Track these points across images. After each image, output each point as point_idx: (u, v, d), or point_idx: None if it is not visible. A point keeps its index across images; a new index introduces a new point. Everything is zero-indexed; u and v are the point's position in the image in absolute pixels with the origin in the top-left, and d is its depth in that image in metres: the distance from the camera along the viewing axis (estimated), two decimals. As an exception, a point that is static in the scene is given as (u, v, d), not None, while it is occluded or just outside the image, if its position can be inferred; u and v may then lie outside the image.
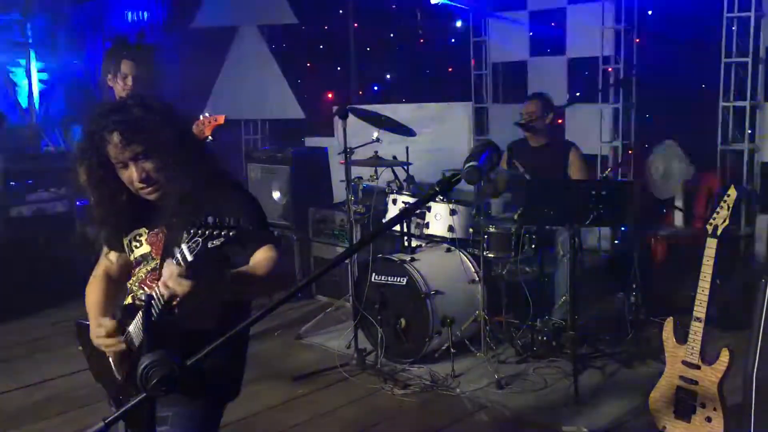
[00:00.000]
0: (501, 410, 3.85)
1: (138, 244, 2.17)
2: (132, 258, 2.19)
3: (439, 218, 4.76)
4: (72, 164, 2.11)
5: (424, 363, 4.41)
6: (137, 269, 2.17)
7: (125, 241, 2.20)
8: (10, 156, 6.13)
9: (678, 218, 5.58)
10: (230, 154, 8.09)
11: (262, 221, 2.16)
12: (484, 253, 4.56)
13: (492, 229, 4.62)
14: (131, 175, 2.02)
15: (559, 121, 6.28)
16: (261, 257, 2.01)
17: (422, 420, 3.75)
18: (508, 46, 6.77)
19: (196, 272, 1.64)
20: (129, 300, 2.16)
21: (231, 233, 1.63)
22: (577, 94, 6.32)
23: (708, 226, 3.22)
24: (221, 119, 3.92)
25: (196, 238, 1.62)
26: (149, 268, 2.13)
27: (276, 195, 6.14)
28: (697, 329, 3.21)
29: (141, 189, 2.05)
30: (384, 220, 4.91)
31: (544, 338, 4.54)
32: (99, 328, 2.04)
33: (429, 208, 4.77)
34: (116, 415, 1.29)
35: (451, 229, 4.72)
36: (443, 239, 4.81)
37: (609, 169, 4.92)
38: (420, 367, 4.39)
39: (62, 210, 6.24)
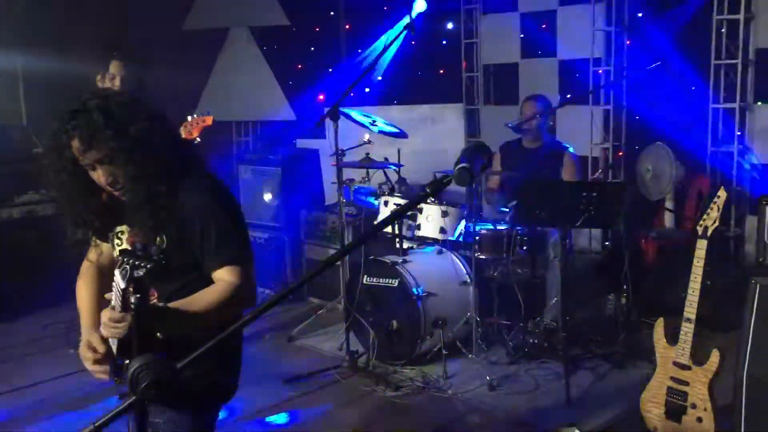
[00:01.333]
0: (493, 412, 3.86)
1: (119, 242, 2.15)
2: (116, 254, 2.16)
3: (431, 220, 4.76)
4: (42, 164, 2.07)
5: (416, 365, 4.41)
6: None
7: (111, 235, 2.19)
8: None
9: (668, 219, 5.60)
10: (221, 155, 8.08)
11: (231, 234, 2.07)
12: (476, 255, 4.56)
13: (484, 231, 4.63)
14: (98, 178, 2.01)
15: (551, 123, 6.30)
16: (215, 286, 1.99)
17: (414, 421, 3.75)
18: (499, 48, 6.79)
19: (127, 306, 1.61)
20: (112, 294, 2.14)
21: (152, 264, 1.62)
22: (568, 96, 6.33)
23: (698, 228, 3.23)
24: (209, 120, 3.92)
25: (124, 266, 1.62)
26: None
27: (267, 197, 6.13)
28: (687, 330, 3.22)
29: (111, 191, 2.04)
30: (375, 222, 4.91)
31: (536, 340, 4.55)
32: (86, 349, 2.00)
33: (421, 210, 4.78)
34: (105, 419, 1.28)
35: (442, 230, 4.73)
36: (435, 241, 4.82)
37: (599, 171, 4.94)
38: (412, 368, 4.39)
39: (52, 212, 6.20)
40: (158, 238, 2.01)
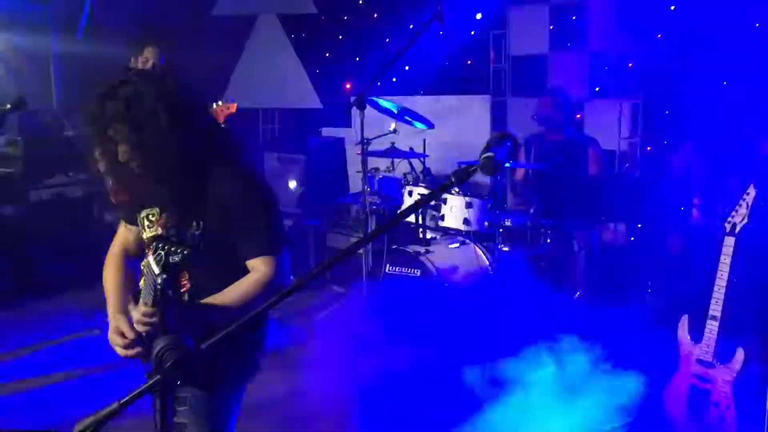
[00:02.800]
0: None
1: (150, 224, 2.15)
2: (144, 237, 2.17)
3: (455, 211, 4.75)
4: (85, 145, 2.09)
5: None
6: (149, 250, 2.14)
7: (138, 218, 2.19)
8: (30, 140, 6.20)
9: (695, 215, 5.53)
10: (247, 142, 8.10)
11: (266, 224, 2.08)
12: (500, 247, 4.55)
13: (508, 223, 4.61)
14: (124, 153, 2.00)
15: (578, 116, 6.24)
16: (247, 279, 2.00)
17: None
18: (528, 40, 6.73)
19: (160, 299, 1.63)
20: (142, 282, 2.14)
21: (188, 250, 1.64)
22: (597, 89, 6.27)
23: (726, 224, 3.19)
24: (233, 107, 3.96)
25: (159, 252, 1.64)
26: None
27: (292, 184, 6.16)
28: (712, 328, 3.19)
29: (137, 167, 2.02)
30: (399, 211, 4.91)
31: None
32: (115, 335, 2.03)
33: (444, 201, 4.77)
34: (130, 397, 1.30)
35: (466, 221, 4.71)
36: (458, 232, 4.80)
37: (627, 165, 4.89)
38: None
39: (81, 195, 6.30)
40: (194, 223, 2.03)
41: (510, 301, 4.62)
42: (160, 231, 2.10)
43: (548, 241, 4.57)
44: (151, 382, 1.32)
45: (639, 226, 5.45)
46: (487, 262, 4.64)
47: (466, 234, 4.77)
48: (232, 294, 2.00)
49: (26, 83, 6.40)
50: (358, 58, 7.90)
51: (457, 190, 4.75)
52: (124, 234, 2.30)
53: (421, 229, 4.87)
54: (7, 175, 6.01)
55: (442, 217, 4.79)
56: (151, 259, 1.65)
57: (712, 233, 5.12)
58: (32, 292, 5.55)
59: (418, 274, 4.45)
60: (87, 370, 4.33)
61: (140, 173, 2.03)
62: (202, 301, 1.96)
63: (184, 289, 1.95)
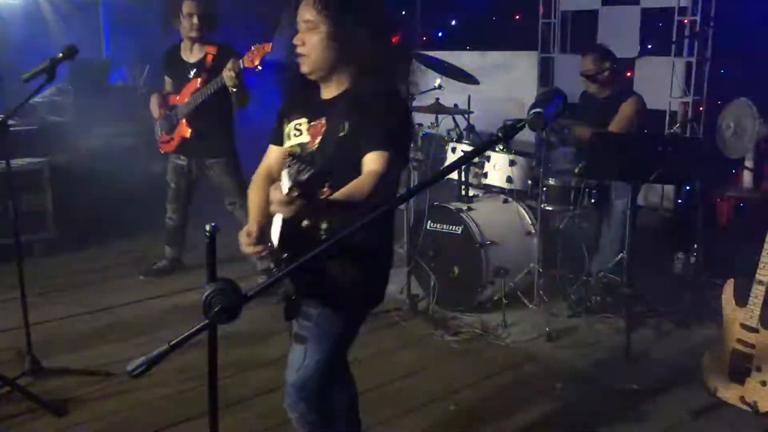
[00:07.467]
0: (549, 362, 3.87)
1: (298, 132, 2.23)
2: (289, 145, 2.25)
3: (498, 168, 4.72)
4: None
5: (475, 312, 4.45)
6: (284, 164, 2.23)
7: (286, 130, 2.27)
8: (80, 88, 6.30)
9: (747, 179, 5.40)
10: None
11: (396, 127, 2.09)
12: (542, 206, 4.51)
13: (551, 182, 4.57)
14: (295, 39, 2.11)
15: (629, 73, 6.09)
16: (363, 175, 2.01)
17: (471, 367, 3.80)
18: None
19: (294, 197, 1.69)
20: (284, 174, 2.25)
21: (315, 172, 1.71)
22: (649, 46, 6.09)
23: (779, 188, 3.11)
24: (269, 47, 3.99)
25: (291, 167, 1.70)
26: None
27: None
28: (758, 292, 3.14)
29: (298, 57, 2.12)
30: (442, 167, 4.88)
31: (599, 294, 4.50)
32: (243, 235, 2.19)
33: (488, 158, 4.73)
34: (180, 339, 1.35)
35: (509, 179, 4.68)
36: (501, 190, 4.78)
37: (677, 125, 4.77)
38: (471, 315, 4.43)
39: (129, 145, 6.41)
40: (341, 125, 2.09)
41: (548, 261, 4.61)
42: (307, 139, 2.18)
43: (593, 201, 4.51)
44: (199, 325, 1.36)
45: (687, 188, 5.35)
46: (530, 221, 4.62)
47: (509, 192, 4.74)
48: (344, 190, 1.99)
49: (76, 32, 6.48)
50: (403, 12, 7.80)
51: (501, 147, 4.71)
52: (269, 155, 2.40)
53: (463, 186, 4.85)
54: (58, 123, 6.14)
55: (486, 175, 4.77)
56: (284, 173, 1.72)
57: (763, 196, 5.01)
58: (78, 240, 5.72)
59: (459, 231, 4.45)
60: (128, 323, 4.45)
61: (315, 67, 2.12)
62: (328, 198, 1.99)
63: (324, 195, 1.99)
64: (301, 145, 2.19)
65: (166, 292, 4.80)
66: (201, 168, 4.81)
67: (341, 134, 2.09)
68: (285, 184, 1.68)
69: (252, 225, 2.22)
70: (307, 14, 2.09)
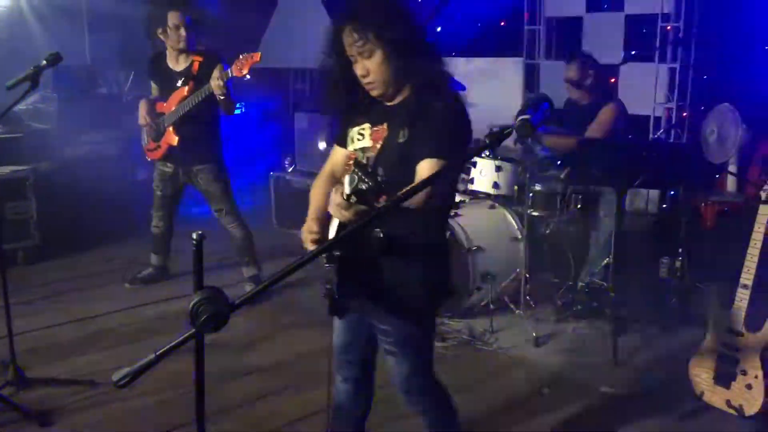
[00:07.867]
0: (537, 367, 3.88)
1: (360, 137, 2.28)
2: (352, 149, 2.30)
3: (484, 174, 4.73)
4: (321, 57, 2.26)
5: (462, 318, 4.45)
6: (348, 168, 2.28)
7: (350, 134, 2.32)
8: (64, 96, 6.25)
9: (731, 184, 5.45)
10: (278, 103, 8.12)
11: (453, 136, 2.14)
12: (529, 212, 4.53)
13: (538, 188, 4.59)
14: (357, 70, 2.16)
15: (612, 80, 6.13)
16: (417, 183, 2.02)
17: (458, 373, 3.79)
18: (563, 1, 6.59)
19: (351, 203, 1.76)
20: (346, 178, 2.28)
21: (375, 184, 1.73)
22: (633, 52, 6.14)
23: (761, 193, 3.14)
24: (257, 56, 4.00)
25: (353, 175, 1.74)
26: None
27: (322, 145, 6.17)
28: (743, 296, 3.17)
29: (366, 85, 2.18)
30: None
31: (585, 299, 4.52)
32: (305, 231, 2.25)
33: (474, 164, 4.75)
34: (166, 348, 1.34)
35: (495, 185, 4.70)
36: (488, 195, 4.79)
37: (661, 131, 4.80)
38: (458, 321, 4.43)
39: (114, 152, 6.37)
40: (401, 131, 2.14)
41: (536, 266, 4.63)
42: (369, 143, 2.24)
43: (578, 207, 4.53)
44: (186, 335, 1.35)
45: (672, 193, 5.38)
46: (516, 227, 4.63)
47: (496, 197, 4.76)
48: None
49: (61, 39, 6.43)
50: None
51: (487, 153, 4.73)
52: (333, 155, 2.45)
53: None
54: (42, 131, 6.09)
55: (472, 180, 4.78)
56: (347, 178, 1.77)
57: (746, 201, 5.05)
58: (63, 248, 5.67)
59: (447, 237, 4.44)
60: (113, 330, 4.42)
61: (368, 87, 2.18)
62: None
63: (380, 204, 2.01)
64: (363, 149, 2.25)
65: (152, 300, 4.77)
66: (188, 175, 4.79)
67: (401, 140, 2.15)
68: (346, 189, 1.74)
69: (311, 223, 2.27)
70: (356, 44, 2.12)
